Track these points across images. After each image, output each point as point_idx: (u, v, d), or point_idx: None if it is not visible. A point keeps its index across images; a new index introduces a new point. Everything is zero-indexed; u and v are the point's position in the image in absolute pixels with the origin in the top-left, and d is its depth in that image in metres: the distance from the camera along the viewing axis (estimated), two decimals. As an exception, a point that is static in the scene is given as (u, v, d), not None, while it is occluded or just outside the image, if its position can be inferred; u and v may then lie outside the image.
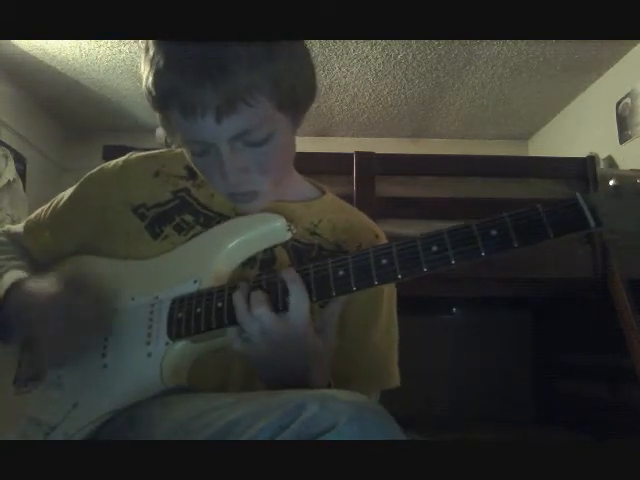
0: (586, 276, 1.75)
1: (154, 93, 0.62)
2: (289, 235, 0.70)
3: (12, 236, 0.86)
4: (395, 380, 0.80)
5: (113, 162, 0.82)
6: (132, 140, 1.92)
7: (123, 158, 0.82)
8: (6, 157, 3.10)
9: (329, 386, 0.66)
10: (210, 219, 0.74)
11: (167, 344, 0.64)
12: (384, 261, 0.59)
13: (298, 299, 0.60)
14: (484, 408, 2.52)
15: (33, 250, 0.83)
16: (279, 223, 0.70)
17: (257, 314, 0.60)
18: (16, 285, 0.71)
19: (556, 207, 0.56)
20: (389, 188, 1.73)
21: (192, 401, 0.57)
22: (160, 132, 2.52)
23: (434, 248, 0.58)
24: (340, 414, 0.44)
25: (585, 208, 0.55)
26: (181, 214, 0.75)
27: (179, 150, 0.75)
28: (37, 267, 0.80)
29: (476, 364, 2.59)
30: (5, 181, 3.02)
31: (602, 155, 2.93)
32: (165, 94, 0.61)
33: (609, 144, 2.98)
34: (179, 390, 0.63)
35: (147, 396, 0.62)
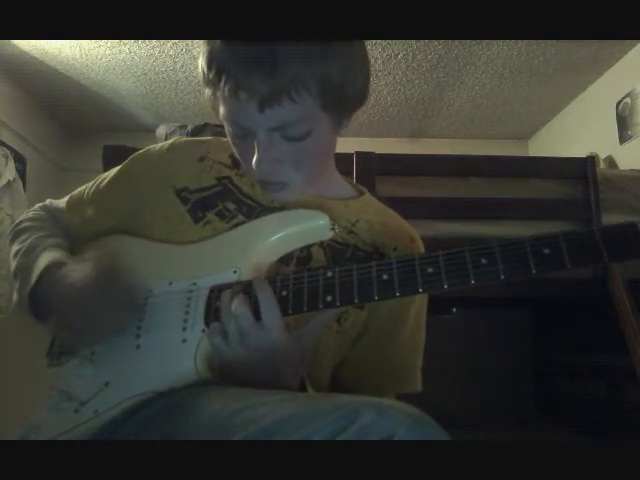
0: (586, 276, 1.75)
1: (206, 70, 0.64)
2: (331, 234, 0.70)
3: (52, 211, 0.86)
4: (415, 385, 0.80)
5: (160, 144, 0.83)
6: (132, 140, 1.92)
7: (170, 141, 0.82)
8: (6, 157, 3.10)
9: (302, 387, 0.66)
10: (252, 209, 0.74)
11: (203, 331, 0.64)
12: (430, 269, 0.59)
13: (269, 309, 0.60)
14: (484, 408, 2.52)
15: (74, 226, 0.84)
16: (323, 221, 0.70)
17: (236, 313, 0.60)
18: (52, 266, 0.71)
19: (613, 230, 0.55)
20: (389, 188, 1.73)
21: (233, 394, 0.57)
22: (160, 132, 2.52)
23: (483, 261, 0.57)
24: (398, 424, 0.44)
25: None
26: (224, 201, 0.75)
27: (225, 139, 0.75)
28: (75, 243, 0.81)
29: (476, 364, 2.60)
30: (5, 181, 3.02)
31: (602, 155, 2.93)
32: (216, 71, 0.62)
33: (609, 144, 2.98)
34: (213, 383, 0.62)
35: (180, 383, 0.62)
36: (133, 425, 0.62)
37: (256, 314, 0.61)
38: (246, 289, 0.64)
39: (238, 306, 0.60)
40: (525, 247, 0.57)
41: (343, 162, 1.69)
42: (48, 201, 0.89)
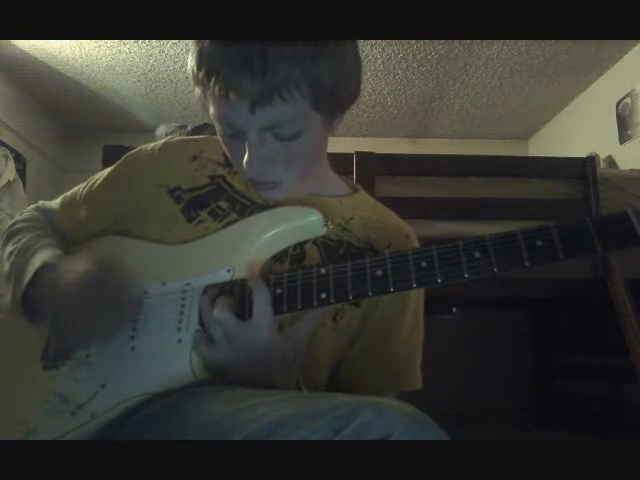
0: (586, 276, 1.75)
1: (196, 70, 0.63)
2: (324, 230, 0.70)
3: (45, 212, 0.86)
4: (415, 383, 0.80)
5: (152, 144, 0.82)
6: (132, 140, 1.92)
7: (163, 140, 0.82)
8: (6, 157, 3.10)
9: (298, 387, 0.66)
10: (245, 207, 0.74)
11: (198, 332, 0.64)
12: (423, 264, 0.58)
13: (262, 306, 0.60)
14: (484, 408, 2.52)
15: (67, 227, 0.83)
16: (315, 217, 0.69)
17: (219, 318, 0.60)
18: (47, 265, 0.71)
19: (605, 220, 0.54)
20: (389, 188, 1.73)
21: (231, 394, 0.57)
22: (160, 132, 2.52)
23: (476, 254, 0.57)
24: (396, 423, 0.44)
25: (636, 223, 0.53)
26: (217, 200, 0.75)
27: (217, 137, 0.75)
28: (69, 244, 0.81)
29: (476, 364, 2.60)
30: (5, 181, 3.02)
31: (602, 155, 2.93)
32: (206, 72, 0.62)
33: (609, 144, 2.98)
34: (210, 383, 0.62)
35: (176, 384, 0.62)
36: (131, 427, 0.61)
37: (241, 313, 0.61)
38: (240, 288, 0.64)
39: (220, 310, 0.60)
40: (518, 239, 0.56)
41: (343, 162, 1.70)
42: (41, 202, 0.88)
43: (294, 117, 0.63)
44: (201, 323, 0.65)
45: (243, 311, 0.61)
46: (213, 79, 0.61)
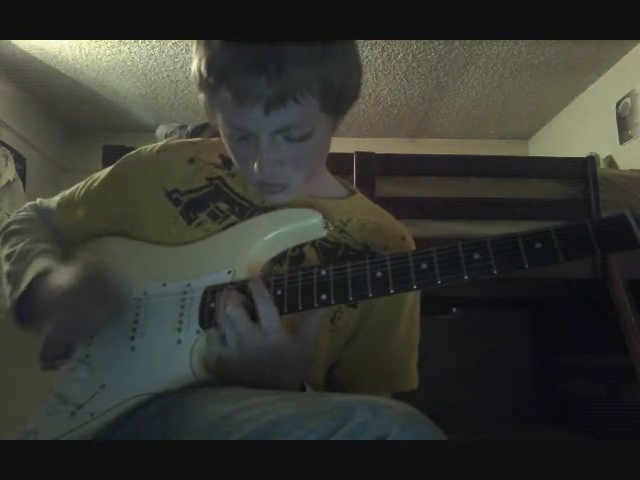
0: (586, 276, 1.75)
1: (205, 74, 0.62)
2: (325, 232, 0.70)
3: (42, 211, 0.86)
4: (412, 383, 0.80)
5: (151, 146, 0.83)
6: (132, 140, 1.92)
7: (161, 143, 0.82)
8: (6, 157, 3.10)
9: (302, 389, 0.66)
10: (245, 209, 0.74)
11: (198, 332, 0.64)
12: (424, 265, 0.59)
13: (267, 310, 0.61)
14: (484, 408, 2.52)
15: (65, 227, 0.84)
16: (316, 219, 0.70)
17: (232, 317, 0.60)
18: (42, 275, 0.71)
19: (604, 223, 0.55)
20: (389, 188, 1.73)
21: (230, 395, 0.57)
22: (160, 132, 2.52)
23: (476, 256, 0.57)
24: (392, 423, 0.44)
25: (634, 225, 0.54)
26: (216, 202, 0.75)
27: (215, 139, 0.74)
28: (67, 244, 0.81)
29: (476, 364, 2.60)
30: (5, 181, 3.02)
31: (602, 155, 2.93)
32: (217, 76, 0.61)
33: (609, 144, 2.98)
34: (210, 384, 0.62)
35: (176, 384, 0.62)
36: (130, 427, 0.61)
37: (253, 314, 0.61)
38: (241, 289, 0.64)
39: (233, 309, 0.60)
40: (517, 242, 0.57)
41: (343, 162, 1.70)
42: (39, 200, 0.88)
43: (305, 118, 0.63)
44: (201, 323, 0.65)
45: (251, 312, 0.62)
46: (225, 84, 0.61)
